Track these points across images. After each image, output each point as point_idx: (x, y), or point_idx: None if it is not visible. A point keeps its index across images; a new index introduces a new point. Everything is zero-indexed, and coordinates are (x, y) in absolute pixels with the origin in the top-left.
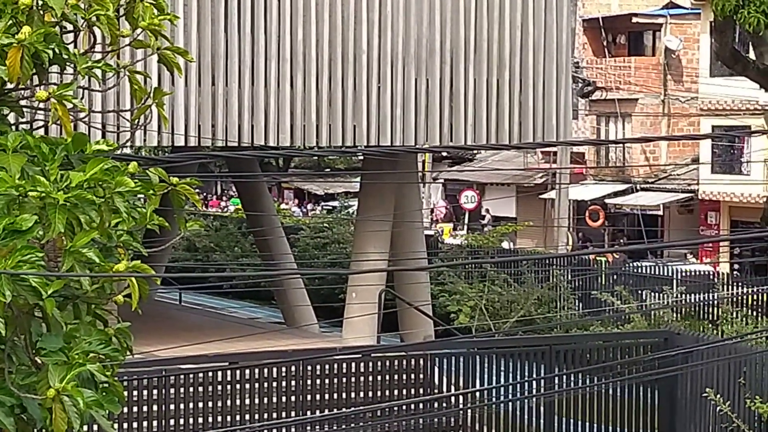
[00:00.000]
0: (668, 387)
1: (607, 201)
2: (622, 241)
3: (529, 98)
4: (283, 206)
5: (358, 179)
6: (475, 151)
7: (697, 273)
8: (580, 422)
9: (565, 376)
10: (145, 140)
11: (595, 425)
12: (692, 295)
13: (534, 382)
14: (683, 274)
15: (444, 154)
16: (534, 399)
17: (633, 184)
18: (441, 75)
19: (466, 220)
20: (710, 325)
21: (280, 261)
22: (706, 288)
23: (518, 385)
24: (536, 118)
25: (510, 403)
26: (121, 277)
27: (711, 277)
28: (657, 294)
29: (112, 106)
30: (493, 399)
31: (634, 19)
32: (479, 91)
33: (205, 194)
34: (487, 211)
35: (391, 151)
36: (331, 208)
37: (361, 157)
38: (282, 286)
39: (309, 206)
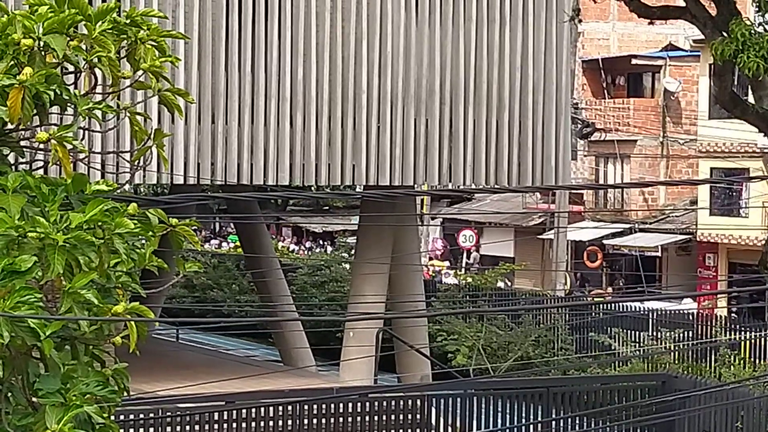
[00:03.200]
0: (666, 430)
1: (605, 242)
2: (621, 282)
3: (528, 139)
4: (281, 244)
5: (357, 217)
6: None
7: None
8: None
9: (562, 420)
10: (144, 178)
11: None
12: (689, 336)
13: (531, 426)
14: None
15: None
16: None
17: (631, 225)
18: (440, 115)
19: (464, 260)
20: (707, 368)
21: (278, 302)
22: (705, 330)
23: (515, 428)
24: (535, 159)
25: None
26: (120, 321)
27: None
28: (654, 336)
29: (111, 146)
30: None
31: (634, 61)
32: (478, 132)
33: (202, 231)
34: (476, 249)
35: (390, 194)
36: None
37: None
38: (279, 327)
39: (308, 244)
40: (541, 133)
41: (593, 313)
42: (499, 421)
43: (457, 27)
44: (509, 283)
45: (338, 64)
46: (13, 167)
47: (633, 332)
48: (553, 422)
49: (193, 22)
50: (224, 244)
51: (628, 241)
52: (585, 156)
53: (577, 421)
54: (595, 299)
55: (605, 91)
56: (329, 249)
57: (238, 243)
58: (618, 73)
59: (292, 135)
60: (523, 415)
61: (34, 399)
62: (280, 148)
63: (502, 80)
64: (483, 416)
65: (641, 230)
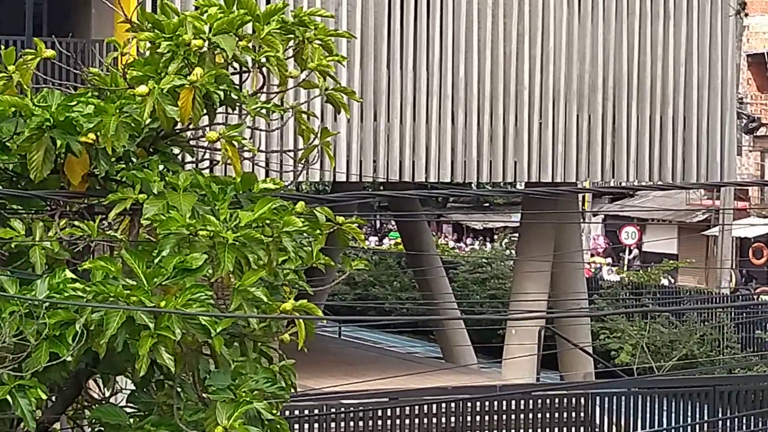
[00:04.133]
0: None
1: None
2: None
3: (692, 135)
4: (441, 241)
5: (518, 215)
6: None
7: None
8: None
9: (729, 420)
10: (307, 176)
11: None
12: None
13: (698, 425)
14: None
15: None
16: None
17: None
18: (603, 111)
19: (626, 257)
20: None
21: (439, 299)
22: None
23: (681, 428)
24: (700, 155)
25: None
26: (289, 318)
27: None
28: None
29: (275, 145)
30: None
31: None
32: (642, 128)
33: (363, 228)
34: (636, 246)
35: (551, 191)
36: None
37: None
38: (441, 324)
39: (468, 240)
40: (706, 128)
41: (760, 311)
42: (664, 420)
43: (620, 22)
44: (672, 281)
45: (500, 61)
46: (183, 166)
47: None
48: (719, 422)
49: (356, 21)
50: (384, 240)
51: None
52: (750, 151)
53: (744, 421)
54: (762, 297)
55: None
56: (489, 246)
57: (398, 240)
58: None
59: (453, 132)
60: (689, 414)
61: (204, 395)
62: (441, 145)
63: (666, 75)
64: (647, 415)
65: None
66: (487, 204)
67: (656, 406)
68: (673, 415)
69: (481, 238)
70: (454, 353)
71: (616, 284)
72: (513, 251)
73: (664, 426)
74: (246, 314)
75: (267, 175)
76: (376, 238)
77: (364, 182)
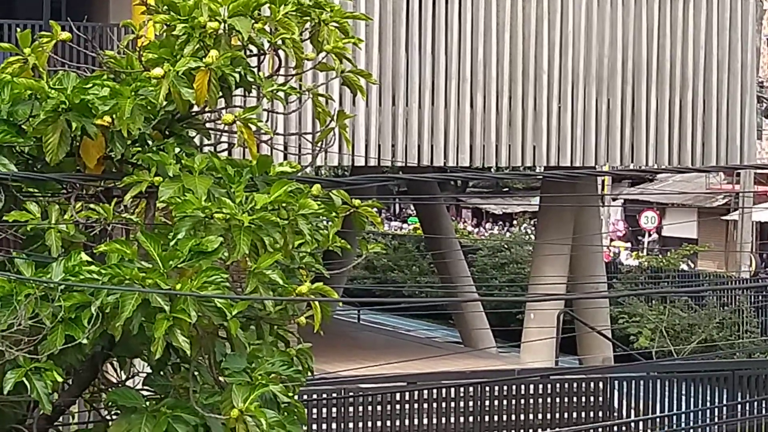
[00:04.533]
0: None
1: None
2: None
3: (712, 118)
4: (460, 225)
5: (537, 199)
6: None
7: None
8: None
9: (748, 404)
10: (325, 160)
11: None
12: None
13: (717, 409)
14: None
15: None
16: (716, 426)
17: None
18: (622, 95)
19: (646, 241)
20: None
21: (459, 283)
22: None
23: (700, 412)
24: (719, 139)
25: (692, 430)
26: (305, 300)
27: None
28: None
29: (293, 128)
30: (674, 425)
31: None
32: (661, 111)
33: (382, 213)
34: (656, 230)
35: (570, 174)
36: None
37: (541, 177)
38: (460, 308)
39: (487, 225)
40: (726, 112)
41: None
42: (683, 404)
43: (639, 5)
44: (692, 265)
45: (519, 44)
46: (199, 149)
47: None
48: (739, 406)
49: (374, 3)
50: (404, 225)
51: None
52: None
53: (764, 405)
54: None
55: None
56: (508, 231)
57: (417, 225)
58: None
59: (472, 116)
60: (708, 398)
61: (220, 378)
62: (460, 129)
63: (686, 58)
64: (666, 399)
65: None
66: (506, 189)
67: (675, 390)
68: (692, 399)
69: (500, 223)
70: (473, 338)
71: (635, 269)
72: (532, 236)
73: (683, 410)
74: (261, 297)
75: (285, 159)
76: (397, 223)
77: (382, 167)
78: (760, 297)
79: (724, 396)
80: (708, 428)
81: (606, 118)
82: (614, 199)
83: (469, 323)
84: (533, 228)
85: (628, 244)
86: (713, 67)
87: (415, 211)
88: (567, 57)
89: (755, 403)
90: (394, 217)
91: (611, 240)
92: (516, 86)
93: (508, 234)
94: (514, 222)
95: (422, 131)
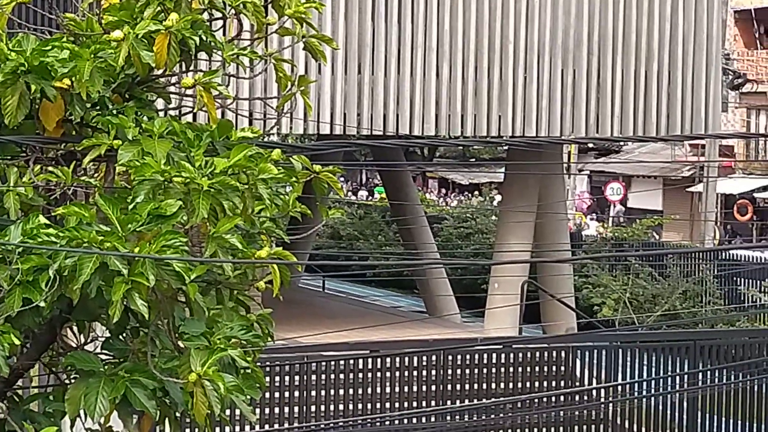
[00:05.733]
0: None
1: (756, 195)
2: None
3: (677, 90)
4: (427, 196)
5: (503, 170)
6: (621, 143)
7: None
8: (723, 419)
9: (709, 372)
10: (291, 128)
11: (739, 422)
12: None
13: (678, 378)
14: None
15: (590, 145)
16: (677, 395)
17: None
18: (588, 66)
19: (611, 212)
20: None
21: (423, 251)
22: None
23: (661, 380)
24: (684, 111)
25: (652, 398)
26: (263, 264)
27: None
28: None
29: (259, 94)
30: (636, 393)
31: None
32: (626, 83)
33: (350, 183)
34: (621, 202)
35: (535, 142)
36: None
37: (506, 148)
38: (425, 276)
39: (453, 195)
40: (691, 83)
41: (742, 266)
42: (645, 373)
43: None
44: (657, 236)
45: (485, 14)
46: (162, 113)
47: None
48: (700, 374)
49: None
50: (371, 196)
51: None
52: (736, 108)
53: (725, 374)
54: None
55: (758, 42)
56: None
57: (384, 195)
58: None
59: (438, 85)
60: (669, 368)
61: (179, 342)
62: (426, 98)
63: (652, 30)
64: (628, 369)
65: None
66: (473, 159)
67: (637, 360)
68: (653, 368)
69: (466, 193)
70: (438, 306)
71: (600, 239)
72: (497, 204)
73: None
74: (220, 260)
75: (250, 124)
76: (365, 193)
77: (348, 135)
78: (726, 268)
79: (686, 365)
80: (669, 396)
81: (571, 88)
82: (580, 170)
83: (434, 291)
84: (499, 198)
85: (594, 215)
86: (679, 38)
87: (381, 181)
88: (533, 27)
89: (716, 372)
90: (360, 187)
91: (577, 210)
92: (482, 56)
93: (474, 202)
94: (481, 192)
95: (388, 100)
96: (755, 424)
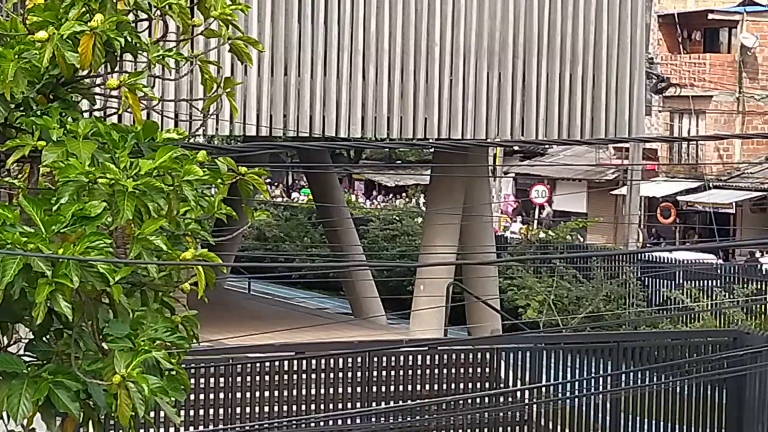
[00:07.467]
0: (736, 387)
1: (679, 198)
2: (694, 238)
3: (601, 93)
4: (353, 197)
5: (429, 172)
6: (546, 146)
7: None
8: (646, 420)
9: (632, 374)
10: (217, 129)
11: (662, 423)
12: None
13: (601, 379)
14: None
15: (516, 148)
16: (600, 396)
17: (706, 181)
18: (513, 69)
19: (536, 215)
20: None
21: (349, 252)
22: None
23: (585, 382)
24: (608, 114)
25: (576, 400)
26: (188, 265)
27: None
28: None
29: (185, 95)
30: (560, 395)
31: (710, 16)
32: (551, 86)
33: (277, 184)
34: (549, 204)
35: (461, 145)
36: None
37: (432, 150)
38: (350, 278)
39: (379, 197)
40: (615, 87)
41: (665, 268)
42: (569, 375)
43: None
44: (581, 239)
45: (411, 17)
46: (87, 114)
47: (705, 287)
48: (623, 376)
49: None
50: (297, 196)
51: (702, 198)
52: (660, 111)
53: (648, 376)
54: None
55: (681, 46)
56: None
57: (310, 196)
58: (694, 28)
59: (364, 87)
60: (593, 369)
61: (103, 344)
62: (352, 100)
63: (576, 33)
64: (552, 370)
65: (716, 187)
66: (399, 161)
67: (561, 361)
68: (577, 370)
69: (392, 195)
70: (363, 308)
71: (524, 241)
72: (423, 208)
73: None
74: (144, 261)
75: (176, 126)
76: (297, 194)
77: (274, 137)
78: (649, 270)
79: (609, 367)
80: (592, 398)
81: (497, 91)
82: (505, 173)
83: (360, 293)
84: (424, 200)
85: (519, 218)
86: (603, 42)
87: (307, 183)
88: (459, 30)
89: (639, 373)
90: (288, 189)
91: (503, 212)
92: (408, 59)
93: (399, 204)
94: (405, 194)
95: (314, 102)
96: (677, 425)
